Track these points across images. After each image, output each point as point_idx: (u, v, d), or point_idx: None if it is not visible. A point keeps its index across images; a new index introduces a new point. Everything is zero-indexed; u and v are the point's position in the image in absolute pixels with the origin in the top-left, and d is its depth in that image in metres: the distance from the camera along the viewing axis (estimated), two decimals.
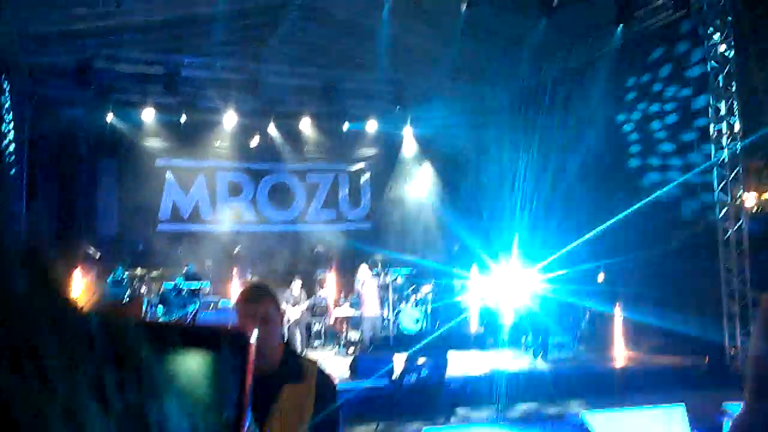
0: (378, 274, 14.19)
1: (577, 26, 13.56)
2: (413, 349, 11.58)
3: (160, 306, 11.74)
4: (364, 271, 12.91)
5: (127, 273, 12.67)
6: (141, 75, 14.60)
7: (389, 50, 14.42)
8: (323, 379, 2.59)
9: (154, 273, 14.29)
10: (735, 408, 7.15)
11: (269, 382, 2.47)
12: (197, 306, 12.03)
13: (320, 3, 13.36)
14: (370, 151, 18.85)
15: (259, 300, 2.55)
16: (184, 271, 12.79)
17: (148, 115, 15.68)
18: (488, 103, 17.91)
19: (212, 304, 13.97)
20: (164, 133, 16.51)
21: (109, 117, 15.53)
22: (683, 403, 6.62)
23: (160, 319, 11.51)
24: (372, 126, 17.98)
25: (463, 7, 11.67)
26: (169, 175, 17.09)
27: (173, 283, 12.13)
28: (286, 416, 2.45)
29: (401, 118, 17.72)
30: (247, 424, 0.66)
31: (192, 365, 0.64)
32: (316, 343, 15.03)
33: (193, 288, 13.52)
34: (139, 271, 13.58)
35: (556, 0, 11.05)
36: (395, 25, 13.31)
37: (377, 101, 17.08)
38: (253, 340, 0.67)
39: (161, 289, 12.54)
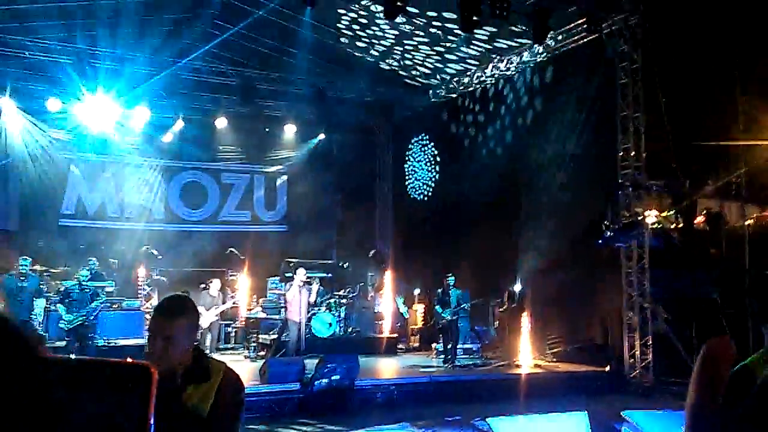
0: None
1: (496, 42, 13.94)
2: (325, 353, 11.53)
3: (61, 305, 11.10)
4: (301, 275, 12.77)
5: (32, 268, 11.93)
6: (51, 63, 13.95)
7: (310, 53, 14.40)
8: (229, 376, 2.58)
9: (55, 271, 13.61)
10: (632, 415, 7.49)
11: (173, 384, 2.44)
12: (101, 303, 11.48)
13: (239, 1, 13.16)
14: (287, 153, 18.69)
15: (170, 317, 2.48)
16: (87, 268, 12.15)
17: (53, 105, 14.95)
18: (403, 112, 18.28)
19: (116, 305, 13.45)
20: (69, 125, 15.76)
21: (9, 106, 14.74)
22: (585, 411, 6.90)
23: (63, 318, 10.92)
24: (290, 129, 17.87)
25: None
26: (73, 168, 16.36)
27: (75, 280, 11.49)
28: (187, 415, 2.43)
29: (320, 122, 17.69)
30: None
31: (94, 401, 0.67)
32: (226, 346, 14.72)
33: (96, 286, 12.91)
34: (38, 267, 12.88)
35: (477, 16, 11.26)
36: (316, 29, 13.30)
37: (296, 104, 16.97)
38: (155, 375, 0.69)
39: (62, 287, 11.90)
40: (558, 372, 12.27)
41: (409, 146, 18.53)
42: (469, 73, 15.60)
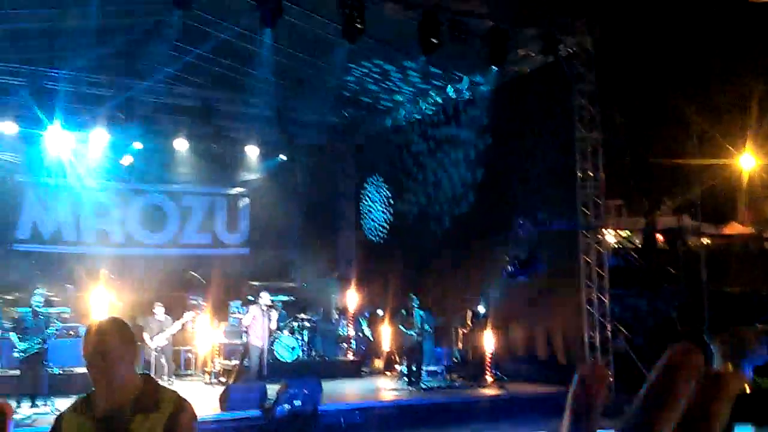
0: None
1: (455, 65, 14.04)
2: (287, 378, 11.36)
3: (14, 333, 10.72)
4: (265, 299, 12.63)
5: None
6: (4, 85, 13.67)
7: (271, 75, 14.34)
8: (180, 405, 2.51)
9: (8, 297, 13.22)
10: None
11: (121, 415, 2.40)
12: (56, 330, 11.13)
13: (199, 23, 13.08)
14: (250, 176, 18.51)
15: (101, 335, 2.46)
16: (39, 294, 11.74)
17: (9, 128, 14.64)
18: (365, 133, 18.35)
19: (71, 332, 13.06)
20: (25, 148, 15.41)
21: None
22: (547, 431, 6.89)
23: (17, 347, 10.53)
24: (252, 151, 17.74)
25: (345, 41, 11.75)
26: (29, 192, 15.98)
27: (29, 307, 11.12)
28: None
29: (282, 143, 17.57)
30: None
31: None
32: (186, 372, 14.43)
33: (51, 313, 12.52)
34: None
35: (436, 39, 11.36)
36: (277, 50, 13.26)
37: (258, 125, 16.87)
38: (9, 411, 0.70)
39: (15, 315, 11.52)
40: (521, 392, 12.27)
41: (365, 185, 18.70)
42: (428, 96, 15.70)
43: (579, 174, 12.41)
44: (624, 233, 16.90)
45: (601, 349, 11.97)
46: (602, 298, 12.18)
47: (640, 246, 16.92)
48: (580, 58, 12.41)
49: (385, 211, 17.90)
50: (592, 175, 12.34)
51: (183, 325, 13.35)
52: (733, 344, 2.85)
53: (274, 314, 13.10)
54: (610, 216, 13.30)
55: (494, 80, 13.80)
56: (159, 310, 12.94)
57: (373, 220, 18.38)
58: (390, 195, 17.73)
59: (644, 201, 16.97)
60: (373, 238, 18.24)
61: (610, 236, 13.72)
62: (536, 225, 10.92)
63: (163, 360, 12.72)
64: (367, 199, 18.67)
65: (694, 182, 14.90)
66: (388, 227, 17.77)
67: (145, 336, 12.57)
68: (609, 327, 12.08)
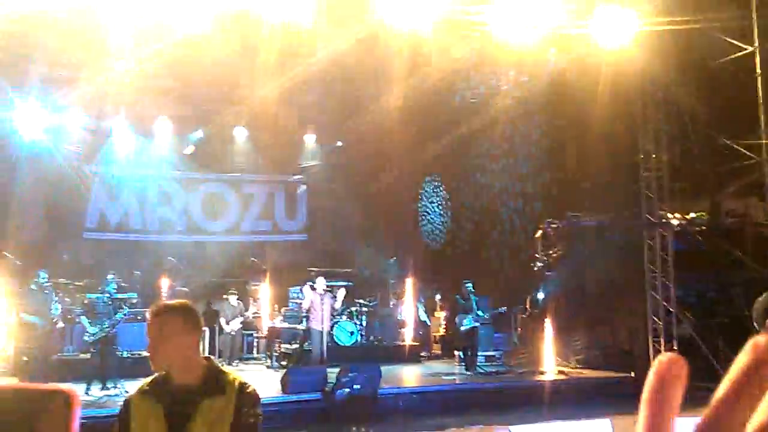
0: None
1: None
2: (347, 362, 11.52)
3: (85, 318, 11.14)
4: (321, 284, 12.86)
5: (50, 281, 12.05)
6: (63, 79, 14.12)
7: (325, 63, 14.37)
8: (244, 390, 2.56)
9: (79, 284, 13.74)
10: None
11: (188, 398, 2.45)
12: (125, 315, 11.50)
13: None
14: (308, 163, 18.71)
15: (162, 317, 2.53)
16: (109, 281, 12.16)
17: (75, 120, 15.15)
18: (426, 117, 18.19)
19: (140, 317, 13.51)
20: (92, 140, 15.93)
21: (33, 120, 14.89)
22: (609, 419, 6.79)
23: (88, 331, 10.94)
24: (309, 138, 17.91)
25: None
26: (96, 182, 16.53)
27: (99, 292, 11.52)
28: (204, 430, 2.42)
29: (337, 130, 17.66)
30: None
31: (12, 427, 0.71)
32: (249, 356, 14.77)
33: (121, 298, 12.98)
34: (62, 280, 13.04)
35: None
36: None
37: (315, 113, 16.99)
38: (75, 399, 0.73)
39: (86, 300, 11.97)
40: (582, 378, 12.12)
41: (422, 185, 18.72)
42: (484, 74, 15.46)
43: (641, 155, 12.11)
44: (689, 216, 16.38)
45: (665, 335, 11.71)
46: (666, 282, 11.89)
47: (705, 229, 16.35)
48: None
49: (443, 213, 17.78)
50: (655, 156, 12.01)
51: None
52: None
53: (340, 295, 13.19)
54: (674, 199, 12.90)
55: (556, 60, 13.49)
56: (232, 296, 13.62)
57: (430, 222, 18.31)
58: (448, 196, 17.57)
59: (710, 183, 16.35)
60: (431, 242, 18.18)
61: (675, 219, 13.33)
62: (565, 222, 10.75)
63: (231, 344, 13.25)
64: (424, 199, 18.58)
65: (762, 162, 14.32)
66: (445, 231, 17.73)
67: (222, 321, 13.12)
68: (673, 312, 11.79)
